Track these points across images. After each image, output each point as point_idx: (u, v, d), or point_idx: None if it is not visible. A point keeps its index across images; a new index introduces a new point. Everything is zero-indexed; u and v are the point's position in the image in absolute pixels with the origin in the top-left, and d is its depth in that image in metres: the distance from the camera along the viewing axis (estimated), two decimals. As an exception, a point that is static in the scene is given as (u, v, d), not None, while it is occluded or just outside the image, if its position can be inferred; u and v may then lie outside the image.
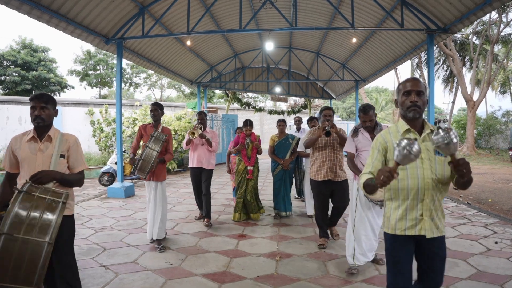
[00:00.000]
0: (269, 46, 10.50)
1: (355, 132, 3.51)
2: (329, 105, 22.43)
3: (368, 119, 3.41)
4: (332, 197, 4.18)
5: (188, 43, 9.53)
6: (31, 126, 2.36)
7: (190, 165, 5.33)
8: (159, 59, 10.35)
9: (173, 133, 11.21)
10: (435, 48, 18.22)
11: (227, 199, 7.36)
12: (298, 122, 7.20)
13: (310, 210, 5.55)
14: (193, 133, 4.97)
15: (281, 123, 5.84)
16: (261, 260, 3.78)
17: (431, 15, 6.81)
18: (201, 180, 5.31)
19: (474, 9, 5.85)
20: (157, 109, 4.29)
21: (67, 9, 6.23)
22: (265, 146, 8.95)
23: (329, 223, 4.33)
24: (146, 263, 3.69)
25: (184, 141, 5.18)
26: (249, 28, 8.83)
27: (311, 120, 5.85)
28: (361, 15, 8.28)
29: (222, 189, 8.63)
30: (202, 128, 5.13)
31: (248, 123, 5.50)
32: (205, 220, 5.27)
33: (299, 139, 5.59)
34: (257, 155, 5.61)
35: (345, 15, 7.54)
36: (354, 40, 9.27)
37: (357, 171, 3.37)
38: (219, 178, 10.65)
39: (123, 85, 31.66)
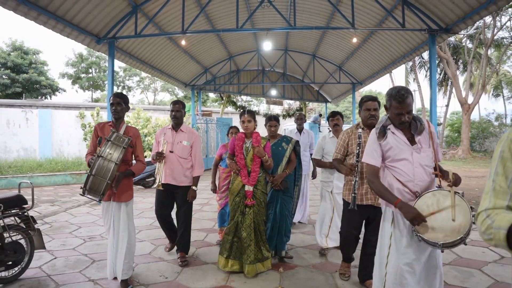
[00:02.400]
0: (267, 46, 10.31)
1: (382, 131, 2.31)
2: (321, 108, 21.92)
3: (405, 110, 2.17)
4: (366, 226, 3.15)
5: (183, 42, 9.30)
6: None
7: (157, 181, 3.68)
8: (153, 60, 10.08)
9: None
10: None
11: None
12: (300, 120, 5.41)
13: (322, 241, 4.12)
14: (161, 155, 3.59)
15: (273, 123, 3.95)
16: (263, 272, 3.51)
17: (433, 15, 6.66)
18: (172, 203, 3.88)
19: (478, 8, 5.70)
20: (120, 102, 3.06)
21: (56, 6, 5.95)
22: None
23: (363, 277, 3.12)
24: (138, 277, 3.40)
25: (151, 158, 3.76)
26: (246, 28, 8.61)
27: (334, 116, 4.13)
28: (361, 15, 8.12)
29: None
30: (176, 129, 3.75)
31: (246, 113, 3.57)
32: (179, 254, 3.80)
33: (296, 142, 3.95)
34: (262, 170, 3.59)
35: (345, 15, 7.37)
36: (354, 40, 9.10)
37: (390, 195, 2.18)
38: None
39: (115, 88, 31.38)
